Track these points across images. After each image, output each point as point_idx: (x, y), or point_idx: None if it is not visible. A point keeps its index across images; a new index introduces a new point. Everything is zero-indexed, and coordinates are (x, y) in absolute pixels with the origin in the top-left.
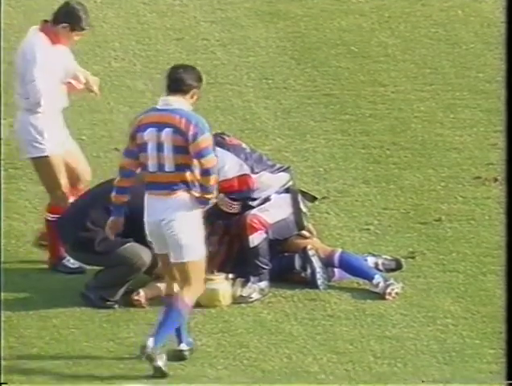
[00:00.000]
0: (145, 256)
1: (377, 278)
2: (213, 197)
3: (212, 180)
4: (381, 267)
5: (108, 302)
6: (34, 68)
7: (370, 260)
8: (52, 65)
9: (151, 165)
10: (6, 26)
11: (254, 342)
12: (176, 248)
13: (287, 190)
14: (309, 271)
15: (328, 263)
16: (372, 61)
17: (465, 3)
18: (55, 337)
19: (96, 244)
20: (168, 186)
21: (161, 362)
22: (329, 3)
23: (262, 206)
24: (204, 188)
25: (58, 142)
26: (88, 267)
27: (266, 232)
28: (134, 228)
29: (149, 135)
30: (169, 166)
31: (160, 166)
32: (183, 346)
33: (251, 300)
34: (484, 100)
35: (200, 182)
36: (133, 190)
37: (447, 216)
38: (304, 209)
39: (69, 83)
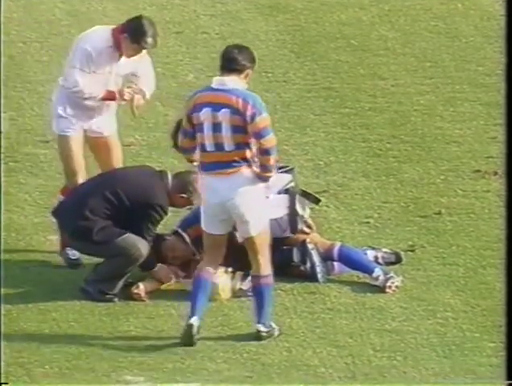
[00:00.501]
0: (142, 247)
1: (377, 271)
2: (273, 175)
3: (272, 160)
4: (380, 260)
5: (107, 296)
6: (80, 57)
7: (370, 254)
8: (103, 65)
9: (209, 145)
10: (6, 19)
11: (254, 336)
12: (243, 225)
13: (286, 191)
14: (309, 264)
15: (327, 257)
16: (372, 54)
17: None
18: (55, 330)
19: (94, 233)
20: (229, 165)
21: (277, 331)
22: None
23: None
24: (264, 167)
25: (78, 127)
26: (85, 260)
27: None
28: (133, 218)
29: (205, 115)
30: (228, 145)
31: (218, 146)
32: (195, 321)
33: (251, 294)
34: (484, 93)
35: (260, 161)
36: (129, 179)
37: (446, 210)
38: (301, 212)
39: (112, 92)
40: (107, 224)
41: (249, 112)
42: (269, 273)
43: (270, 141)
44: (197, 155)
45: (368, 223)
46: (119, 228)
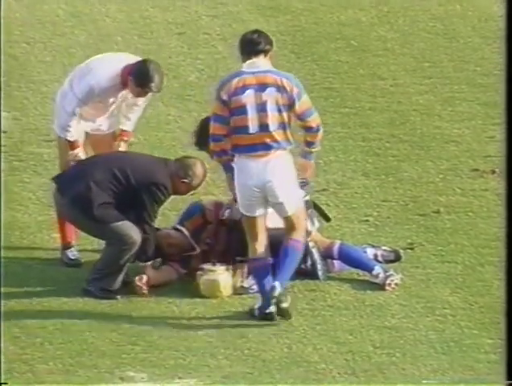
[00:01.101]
0: (134, 235)
1: (377, 269)
2: (319, 148)
3: (320, 135)
4: (380, 258)
5: (109, 293)
6: (84, 91)
7: (370, 252)
8: (107, 97)
9: (252, 126)
10: (9, 19)
11: (255, 333)
12: (279, 206)
13: None
14: (309, 262)
15: (327, 255)
16: (371, 55)
17: None
18: (59, 327)
19: (94, 206)
20: (271, 146)
21: (286, 303)
22: None
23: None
24: (312, 143)
25: (80, 132)
26: (85, 259)
27: None
28: (137, 198)
29: (247, 97)
30: (272, 125)
31: (263, 127)
32: (277, 285)
33: (252, 291)
34: (481, 93)
35: (307, 138)
36: (136, 161)
37: (445, 208)
38: (310, 227)
39: (77, 146)
40: (109, 202)
41: (295, 92)
42: (302, 241)
43: (316, 118)
44: (234, 140)
45: (367, 221)
46: (120, 210)
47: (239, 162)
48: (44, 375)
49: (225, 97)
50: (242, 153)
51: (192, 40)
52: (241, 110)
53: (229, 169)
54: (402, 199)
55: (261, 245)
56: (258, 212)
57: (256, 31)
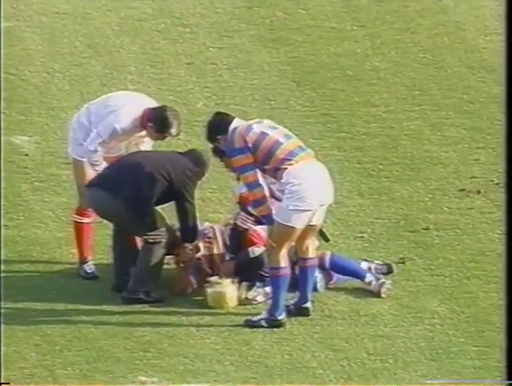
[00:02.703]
0: (163, 232)
1: (369, 277)
2: None
3: None
4: (373, 271)
5: (153, 297)
6: (107, 132)
7: (364, 265)
8: (127, 136)
9: (281, 138)
10: (32, 51)
11: (258, 341)
12: (319, 212)
13: None
14: None
15: (319, 265)
16: (365, 84)
17: (450, 31)
18: (77, 335)
19: (147, 204)
20: (305, 148)
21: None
22: (326, 31)
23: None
24: None
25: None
26: (101, 273)
27: (265, 247)
28: (178, 188)
29: (259, 126)
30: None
31: (287, 136)
32: (309, 305)
33: (256, 302)
34: (467, 119)
35: None
36: (169, 158)
37: (434, 225)
38: None
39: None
40: (155, 198)
41: None
42: (314, 257)
43: None
44: (277, 156)
45: (362, 237)
46: (162, 201)
47: (296, 170)
48: (63, 380)
49: (239, 145)
50: (293, 159)
51: (200, 70)
52: (264, 134)
53: (271, 220)
54: (394, 216)
55: (284, 256)
56: (302, 224)
57: (217, 113)
